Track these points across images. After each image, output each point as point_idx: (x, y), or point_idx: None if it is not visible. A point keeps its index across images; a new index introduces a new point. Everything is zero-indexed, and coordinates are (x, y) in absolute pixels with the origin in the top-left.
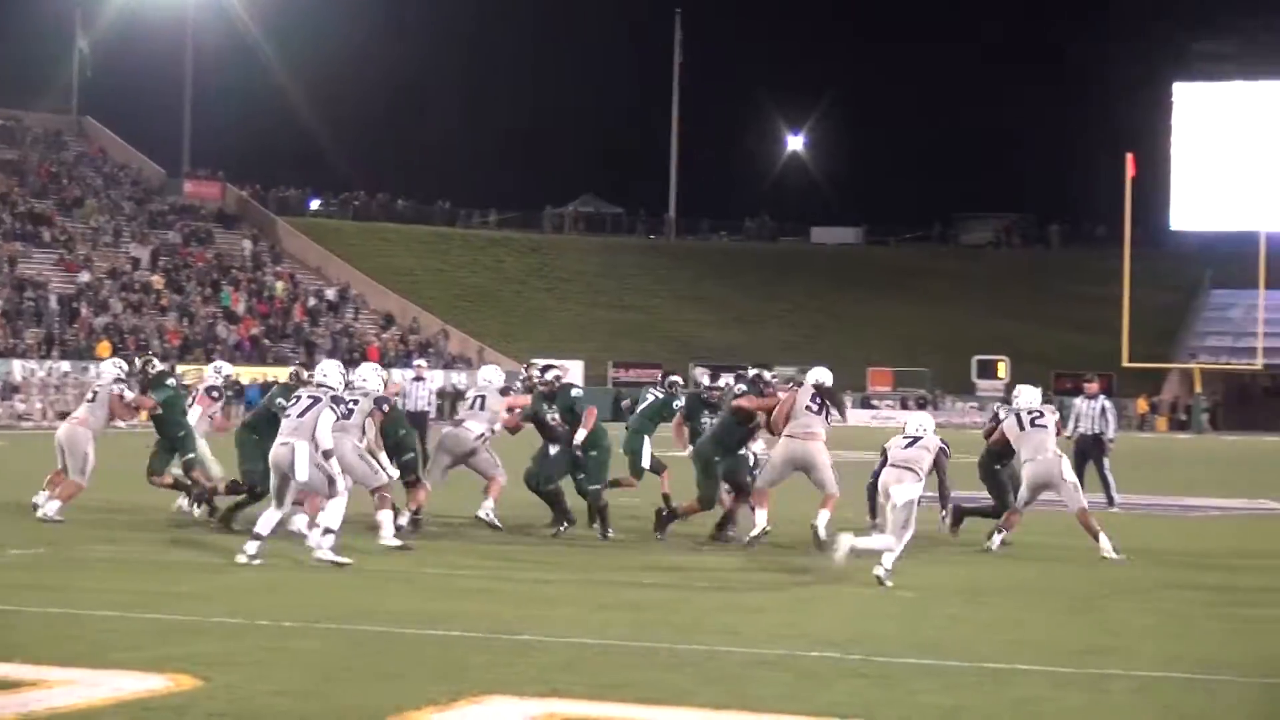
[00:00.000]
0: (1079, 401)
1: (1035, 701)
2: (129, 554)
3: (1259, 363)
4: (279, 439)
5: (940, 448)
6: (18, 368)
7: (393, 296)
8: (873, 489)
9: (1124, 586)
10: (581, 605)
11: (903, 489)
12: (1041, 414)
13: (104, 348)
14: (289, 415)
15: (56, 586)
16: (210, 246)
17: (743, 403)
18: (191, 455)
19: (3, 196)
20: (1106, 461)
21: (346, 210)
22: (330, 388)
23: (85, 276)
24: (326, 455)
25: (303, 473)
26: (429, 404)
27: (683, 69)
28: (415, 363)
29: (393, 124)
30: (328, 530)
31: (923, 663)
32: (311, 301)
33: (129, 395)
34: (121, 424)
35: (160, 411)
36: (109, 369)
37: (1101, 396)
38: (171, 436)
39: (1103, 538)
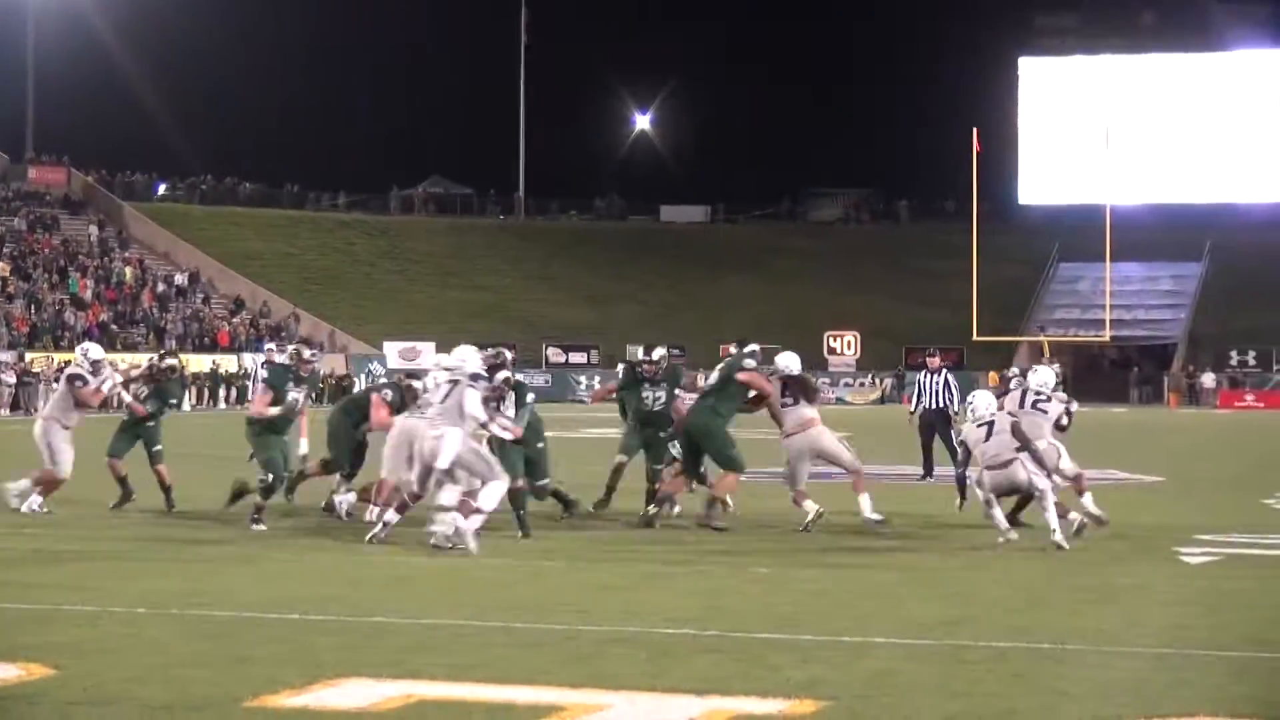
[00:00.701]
0: (921, 376)
1: (891, 673)
2: None
3: (1106, 335)
4: (431, 432)
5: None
6: None
7: (242, 280)
8: (962, 479)
9: (974, 559)
10: (432, 587)
11: (1024, 476)
12: (1048, 399)
13: None
14: (434, 405)
15: None
16: (56, 233)
17: (764, 385)
18: (159, 448)
19: None
20: (952, 432)
21: (194, 195)
22: (470, 372)
23: None
24: (484, 426)
25: (446, 459)
26: None
27: (529, 49)
28: (266, 346)
29: (238, 107)
30: (477, 511)
31: (778, 637)
32: (160, 287)
33: (92, 388)
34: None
35: (151, 423)
36: (76, 363)
37: (945, 370)
38: (148, 429)
39: (1055, 518)
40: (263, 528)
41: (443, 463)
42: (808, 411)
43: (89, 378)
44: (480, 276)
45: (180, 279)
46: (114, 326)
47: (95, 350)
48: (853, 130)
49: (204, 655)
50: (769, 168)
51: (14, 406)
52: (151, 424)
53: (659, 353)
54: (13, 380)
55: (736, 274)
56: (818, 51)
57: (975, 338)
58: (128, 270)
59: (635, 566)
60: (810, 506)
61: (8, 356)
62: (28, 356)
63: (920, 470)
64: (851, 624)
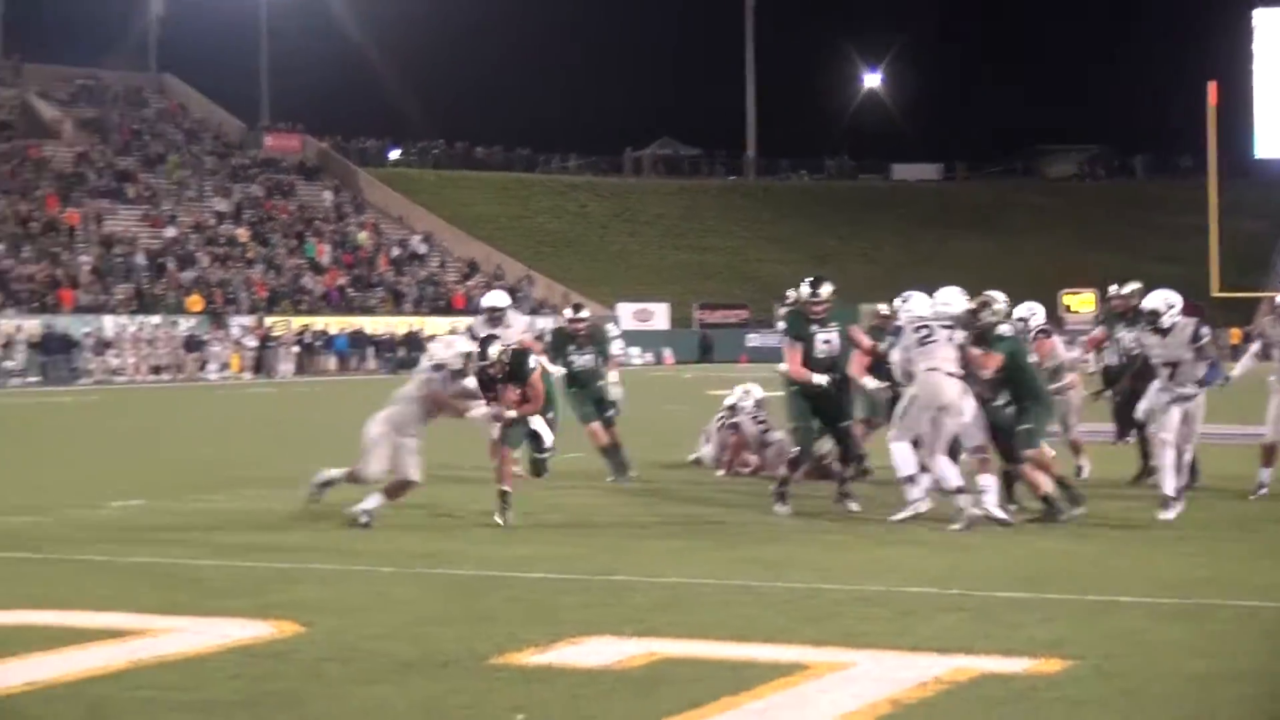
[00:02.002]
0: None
1: (1137, 633)
2: (227, 506)
3: None
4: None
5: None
6: (109, 324)
7: (476, 244)
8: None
9: (1222, 518)
10: (670, 547)
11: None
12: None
13: (194, 301)
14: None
15: (156, 538)
16: (293, 199)
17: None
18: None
19: (86, 155)
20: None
21: (426, 159)
22: (952, 315)
23: (171, 232)
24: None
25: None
26: None
27: (757, 9)
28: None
29: (470, 71)
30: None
31: (1022, 596)
32: (395, 251)
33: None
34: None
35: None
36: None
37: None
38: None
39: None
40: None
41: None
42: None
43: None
44: (711, 237)
45: (415, 243)
46: (351, 291)
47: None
48: (1086, 86)
49: (448, 613)
50: (1001, 125)
51: (256, 370)
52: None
53: (585, 312)
54: (254, 344)
55: (969, 232)
56: (1051, 7)
57: (1215, 293)
58: (363, 235)
59: (869, 528)
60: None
61: (248, 321)
62: (267, 321)
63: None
64: (1096, 583)
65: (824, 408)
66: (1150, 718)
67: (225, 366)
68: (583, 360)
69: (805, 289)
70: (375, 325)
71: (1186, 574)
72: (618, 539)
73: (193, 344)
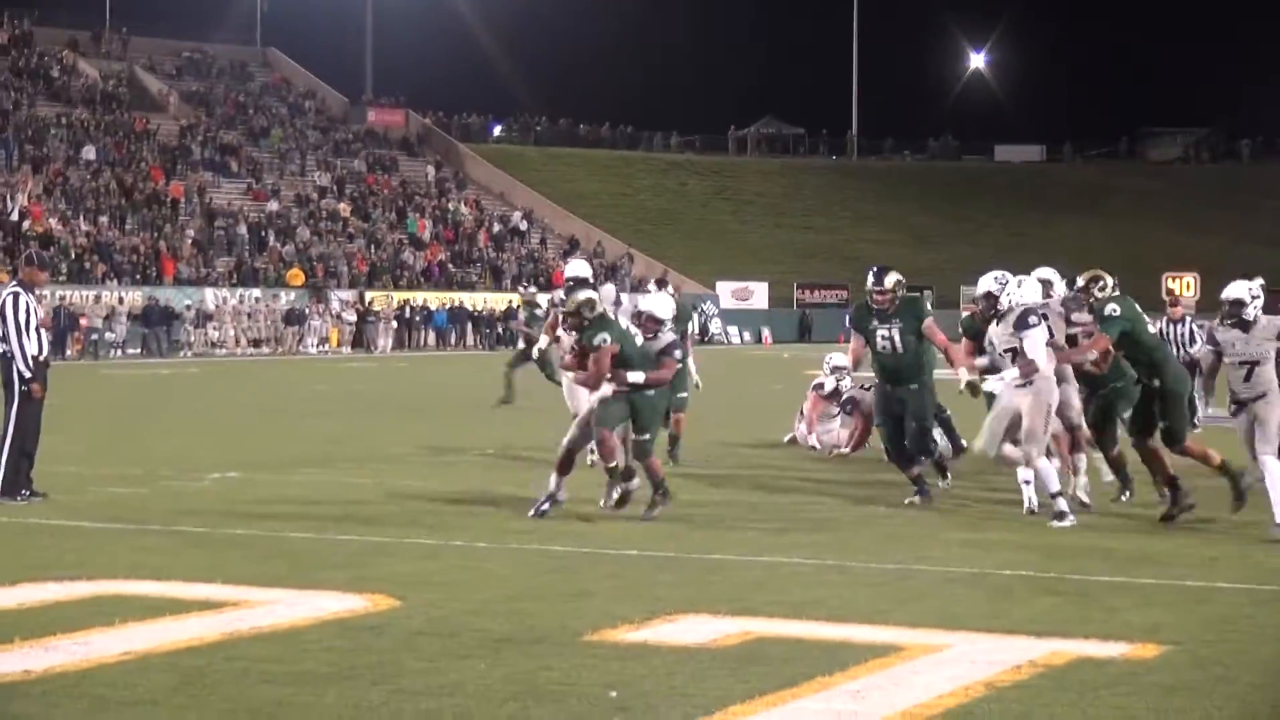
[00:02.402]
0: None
1: (1234, 620)
2: (323, 480)
3: None
4: None
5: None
6: (210, 296)
7: (576, 221)
8: None
9: None
10: (766, 528)
11: None
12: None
13: (294, 275)
14: None
15: (253, 511)
16: (395, 174)
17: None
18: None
19: (191, 128)
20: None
21: (528, 136)
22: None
23: (273, 205)
24: None
25: None
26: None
27: None
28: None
29: (573, 48)
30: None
31: (1119, 580)
32: (496, 227)
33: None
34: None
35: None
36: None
37: (1188, 318)
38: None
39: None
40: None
41: None
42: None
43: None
44: (812, 217)
45: (516, 219)
46: (451, 266)
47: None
48: (1192, 69)
49: (543, 589)
50: (1106, 106)
51: (355, 344)
52: None
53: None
54: (353, 318)
55: (1071, 214)
56: None
57: None
58: (464, 209)
59: (965, 510)
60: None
61: (349, 295)
62: (367, 296)
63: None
64: (1194, 569)
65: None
66: (1246, 704)
67: (324, 341)
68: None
69: (870, 279)
70: (475, 301)
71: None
72: (713, 519)
73: (292, 317)
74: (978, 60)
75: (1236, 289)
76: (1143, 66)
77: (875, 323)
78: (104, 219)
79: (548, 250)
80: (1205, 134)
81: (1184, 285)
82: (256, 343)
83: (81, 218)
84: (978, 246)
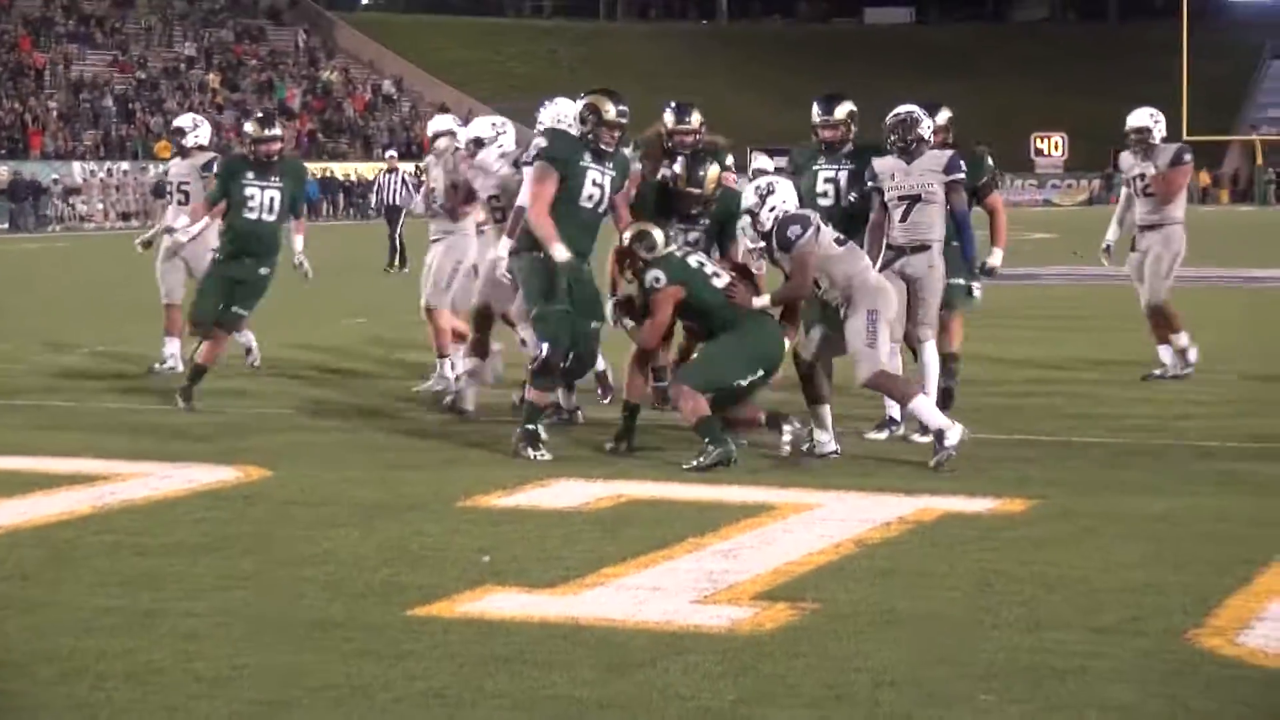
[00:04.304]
0: None
1: (1100, 474)
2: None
3: None
4: None
5: None
6: (77, 169)
7: (446, 88)
8: None
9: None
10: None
11: None
12: None
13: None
14: None
15: (124, 386)
16: (263, 43)
17: None
18: None
19: None
20: None
21: (397, 3)
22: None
23: (140, 76)
24: None
25: None
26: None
27: None
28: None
29: None
30: None
31: (989, 437)
32: (367, 96)
33: None
34: None
35: None
36: None
37: None
38: None
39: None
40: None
41: None
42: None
43: None
44: (684, 81)
45: (386, 87)
46: (321, 136)
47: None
48: None
49: (416, 458)
50: None
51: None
52: None
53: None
54: None
55: (941, 76)
56: None
57: (1186, 136)
58: (333, 75)
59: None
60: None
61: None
62: None
63: None
64: (1059, 423)
65: None
66: (1110, 556)
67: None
68: None
69: (816, 109)
70: (346, 170)
71: (1133, 416)
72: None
73: (161, 190)
74: None
75: (1138, 116)
76: None
77: (823, 161)
78: None
79: (418, 118)
80: None
81: (1053, 144)
82: (125, 216)
83: None
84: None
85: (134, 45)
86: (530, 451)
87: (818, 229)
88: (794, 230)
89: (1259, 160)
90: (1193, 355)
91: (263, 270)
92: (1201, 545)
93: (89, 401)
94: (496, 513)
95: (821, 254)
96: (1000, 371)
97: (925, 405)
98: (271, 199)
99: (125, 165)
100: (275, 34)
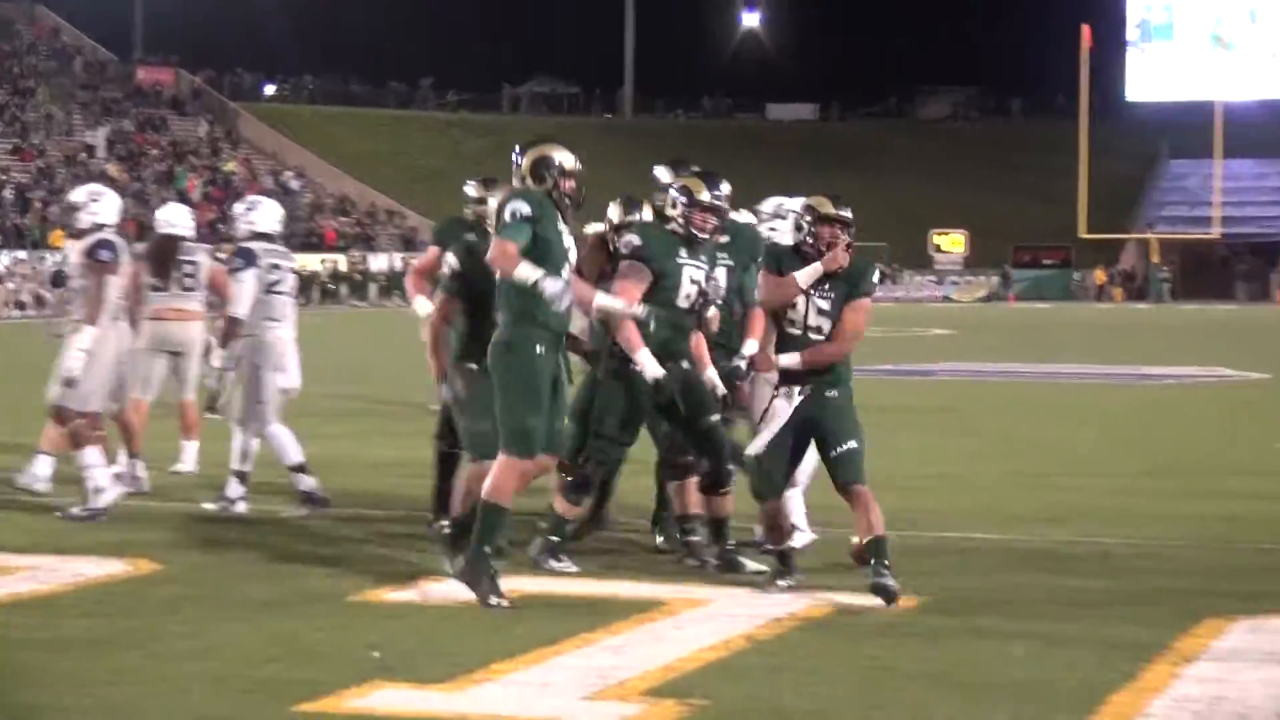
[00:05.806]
0: None
1: (985, 574)
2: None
3: (1215, 232)
4: None
5: None
6: None
7: (349, 180)
8: None
9: None
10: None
11: None
12: None
13: (57, 236)
14: None
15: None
16: (165, 133)
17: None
18: None
19: None
20: None
21: (301, 95)
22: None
23: (40, 165)
24: None
25: None
26: None
27: None
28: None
29: (347, 7)
30: None
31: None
32: (270, 185)
33: None
34: None
35: None
36: None
37: None
38: None
39: None
40: None
41: None
42: None
43: None
44: (588, 174)
45: (288, 178)
46: (222, 226)
47: None
48: (963, 27)
49: (308, 553)
50: (876, 65)
51: None
52: None
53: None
54: None
55: (844, 172)
56: None
57: (1083, 235)
58: (233, 165)
59: None
60: None
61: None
62: None
63: None
64: (951, 521)
65: None
66: (1000, 652)
67: None
68: None
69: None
70: None
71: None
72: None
73: (59, 279)
74: (752, 19)
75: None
76: (915, 25)
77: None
78: None
79: (321, 210)
80: (976, 92)
81: (952, 241)
82: (20, 305)
83: None
84: (754, 201)
85: (34, 133)
86: (552, 563)
87: None
88: None
89: (1155, 258)
90: None
91: None
92: (1089, 642)
93: None
94: (388, 608)
95: None
96: (893, 466)
97: None
98: None
99: (22, 255)
100: (178, 124)
